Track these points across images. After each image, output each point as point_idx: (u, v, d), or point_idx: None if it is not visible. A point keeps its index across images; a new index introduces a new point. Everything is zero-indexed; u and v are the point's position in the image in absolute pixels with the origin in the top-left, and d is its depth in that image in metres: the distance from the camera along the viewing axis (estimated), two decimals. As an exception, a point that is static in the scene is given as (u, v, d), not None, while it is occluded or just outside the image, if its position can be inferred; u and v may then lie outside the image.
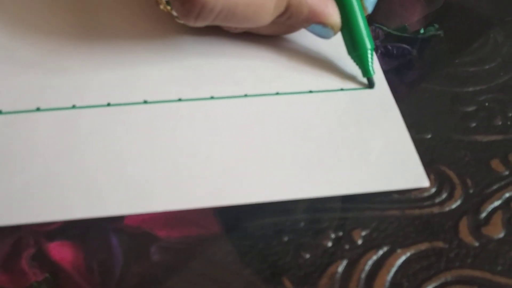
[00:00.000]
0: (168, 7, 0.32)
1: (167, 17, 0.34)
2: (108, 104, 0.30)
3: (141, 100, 0.30)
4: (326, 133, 0.30)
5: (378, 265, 0.27)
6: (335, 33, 0.32)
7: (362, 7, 0.32)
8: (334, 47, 0.34)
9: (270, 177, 0.28)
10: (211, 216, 0.28)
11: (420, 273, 0.26)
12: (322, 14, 0.31)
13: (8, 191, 0.27)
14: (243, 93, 0.32)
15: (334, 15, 0.31)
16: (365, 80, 0.34)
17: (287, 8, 0.31)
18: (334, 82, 0.33)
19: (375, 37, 0.38)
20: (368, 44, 0.32)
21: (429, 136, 0.32)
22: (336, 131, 0.30)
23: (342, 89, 0.33)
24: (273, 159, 0.29)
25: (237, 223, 0.28)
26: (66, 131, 0.29)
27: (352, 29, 0.32)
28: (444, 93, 0.35)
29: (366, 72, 0.33)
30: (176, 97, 0.31)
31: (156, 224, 0.27)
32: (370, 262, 0.27)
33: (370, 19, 0.38)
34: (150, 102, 0.30)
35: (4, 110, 0.29)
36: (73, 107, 0.30)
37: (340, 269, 0.26)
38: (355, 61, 0.33)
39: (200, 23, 0.30)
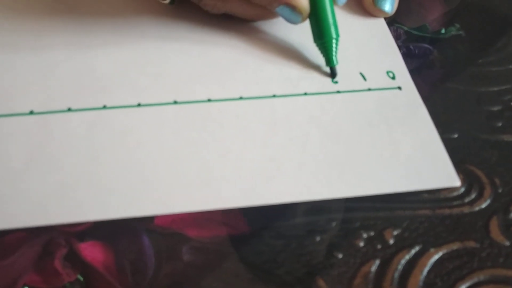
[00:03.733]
0: None
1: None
2: (139, 105, 0.30)
3: (171, 100, 0.30)
4: (355, 133, 0.30)
5: (411, 265, 0.27)
6: (302, 19, 0.33)
7: None
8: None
9: (301, 177, 0.28)
10: (239, 215, 0.28)
11: (453, 272, 0.26)
12: None
13: (43, 191, 0.27)
14: (271, 94, 0.31)
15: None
16: (328, 70, 0.34)
17: None
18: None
19: (396, 37, 0.38)
20: (334, 33, 0.32)
21: (456, 135, 0.32)
22: (365, 131, 0.30)
23: (369, 89, 0.33)
24: (303, 159, 0.29)
25: (268, 222, 0.27)
26: (98, 131, 0.29)
27: (319, 16, 0.32)
28: (468, 92, 0.35)
29: (329, 61, 0.33)
30: (206, 98, 0.31)
31: (185, 224, 0.27)
32: (403, 262, 0.27)
33: (391, 19, 0.38)
34: (180, 103, 0.30)
35: (36, 110, 0.29)
36: (104, 107, 0.30)
37: (373, 268, 0.26)
38: (320, 49, 0.33)
39: None
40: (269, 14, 0.34)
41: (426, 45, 0.38)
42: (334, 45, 0.33)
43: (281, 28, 0.36)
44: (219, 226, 0.27)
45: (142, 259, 0.26)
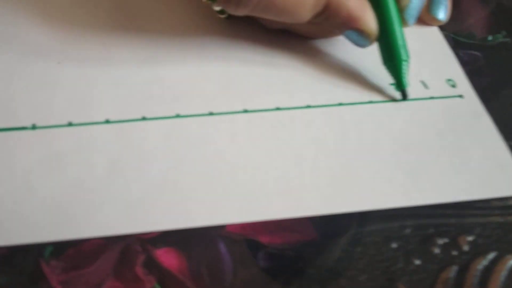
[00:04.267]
0: (210, 1, 0.32)
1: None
2: (210, 113, 0.30)
3: (241, 109, 0.31)
4: (424, 142, 0.31)
5: (489, 271, 0.27)
6: (370, 42, 0.32)
7: (402, 19, 0.32)
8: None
9: (376, 185, 0.29)
10: (307, 221, 0.28)
11: (531, 278, 0.27)
12: (360, 19, 0.31)
13: (127, 199, 0.27)
14: (337, 102, 0.32)
15: (371, 23, 0.31)
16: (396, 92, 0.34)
17: (326, 8, 0.31)
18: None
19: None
20: (404, 55, 0.32)
21: (516, 142, 0.32)
22: (434, 139, 0.31)
23: (432, 98, 0.33)
24: (376, 167, 0.29)
25: (336, 229, 0.28)
26: (174, 140, 0.29)
27: (389, 39, 0.32)
28: (525, 99, 0.35)
29: (400, 84, 0.33)
30: (274, 106, 0.31)
31: (256, 230, 0.27)
32: (480, 267, 0.27)
33: (440, 27, 0.39)
34: (250, 111, 0.31)
35: (111, 119, 0.29)
36: (177, 116, 0.30)
37: (452, 274, 0.27)
38: (389, 71, 0.33)
39: (241, 11, 0.30)
40: (329, 33, 0.34)
41: (475, 52, 0.38)
42: (404, 67, 0.32)
43: (342, 44, 0.35)
44: (289, 232, 0.28)
45: (219, 266, 0.26)
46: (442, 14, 0.37)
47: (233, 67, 0.33)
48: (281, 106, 0.31)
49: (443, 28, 0.39)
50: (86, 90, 0.31)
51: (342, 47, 0.36)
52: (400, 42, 0.32)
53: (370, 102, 0.32)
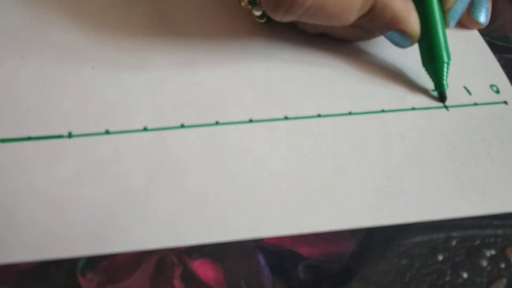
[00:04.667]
0: (250, 6, 0.31)
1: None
2: (250, 120, 0.29)
3: (282, 116, 0.30)
4: (470, 150, 0.30)
5: (539, 284, 0.26)
6: (412, 43, 0.32)
7: (444, 20, 0.32)
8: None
9: (423, 195, 0.28)
10: (346, 232, 0.27)
11: None
12: (404, 21, 0.30)
13: (168, 211, 0.27)
14: (380, 109, 0.31)
15: (415, 24, 0.31)
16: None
17: (372, 9, 0.30)
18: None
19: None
20: (445, 57, 0.31)
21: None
22: (480, 147, 0.30)
23: (476, 104, 0.32)
24: (422, 176, 0.29)
25: (386, 241, 0.27)
26: (214, 148, 0.29)
27: (431, 40, 0.31)
28: None
29: (440, 85, 0.32)
30: (315, 113, 0.30)
31: (295, 241, 0.27)
32: (529, 281, 0.26)
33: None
34: (291, 118, 0.30)
35: (149, 127, 0.29)
36: (217, 123, 0.29)
37: (501, 287, 0.26)
38: (429, 73, 0.32)
39: (288, 18, 0.30)
40: (369, 35, 0.33)
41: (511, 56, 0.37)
42: (445, 69, 0.32)
43: (380, 46, 0.35)
44: (328, 243, 0.27)
45: (258, 278, 0.26)
46: (484, 17, 0.36)
47: (273, 72, 0.32)
48: (322, 113, 0.30)
49: (480, 32, 0.38)
50: (122, 96, 0.30)
51: (382, 49, 0.35)
52: (442, 43, 0.31)
53: (413, 109, 0.31)
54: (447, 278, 0.26)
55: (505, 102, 0.33)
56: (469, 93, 0.33)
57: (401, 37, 0.31)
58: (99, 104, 0.29)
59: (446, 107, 0.32)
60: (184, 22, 0.34)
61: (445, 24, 0.32)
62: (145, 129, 0.29)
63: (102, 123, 0.29)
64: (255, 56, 0.33)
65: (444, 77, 0.32)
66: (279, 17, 0.30)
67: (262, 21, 0.34)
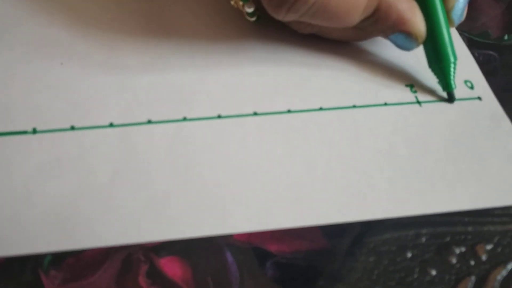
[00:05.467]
0: (240, 3, 0.31)
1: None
2: (219, 116, 0.29)
3: (251, 111, 0.29)
4: (442, 146, 0.30)
5: (508, 281, 0.26)
6: (418, 45, 0.31)
7: (448, 19, 0.31)
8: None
9: (393, 192, 0.28)
10: (316, 229, 0.27)
11: (553, 289, 0.25)
12: (410, 22, 0.30)
13: (132, 207, 0.26)
14: (351, 104, 0.30)
15: (420, 25, 0.30)
16: (444, 94, 0.33)
17: (376, 11, 0.29)
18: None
19: (459, 44, 0.37)
20: (452, 57, 0.31)
21: (537, 146, 0.31)
22: (451, 144, 0.30)
23: (447, 100, 0.32)
24: (393, 173, 0.28)
25: (348, 237, 0.27)
26: (181, 144, 0.28)
27: (437, 40, 0.31)
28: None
29: (447, 86, 0.32)
30: (286, 109, 0.30)
31: (264, 238, 0.26)
32: (499, 278, 0.26)
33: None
34: (260, 114, 0.29)
35: (115, 122, 0.28)
36: (184, 119, 0.29)
37: (470, 285, 0.25)
38: (436, 74, 0.32)
39: (290, 17, 0.29)
40: (364, 36, 0.33)
41: (491, 52, 0.37)
42: (452, 69, 0.31)
43: (354, 42, 0.34)
44: (298, 240, 0.26)
45: (226, 276, 0.25)
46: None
47: (243, 69, 0.32)
48: (292, 108, 0.30)
49: (456, 27, 0.37)
50: (90, 93, 0.30)
51: (355, 44, 0.34)
52: (448, 43, 0.31)
53: (385, 104, 0.31)
54: (415, 276, 0.26)
55: (479, 98, 0.32)
56: (443, 89, 0.32)
57: (406, 39, 0.31)
58: (66, 100, 0.29)
59: (419, 102, 0.31)
60: (155, 19, 0.34)
61: (450, 22, 0.31)
62: (111, 125, 0.28)
63: (67, 119, 0.28)
64: (225, 53, 0.33)
65: (452, 77, 0.31)
66: (281, 16, 0.29)
67: (252, 19, 0.33)
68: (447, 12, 0.31)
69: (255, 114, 0.30)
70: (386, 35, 0.31)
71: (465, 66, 0.34)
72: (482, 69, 0.35)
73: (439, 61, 0.31)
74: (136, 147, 0.28)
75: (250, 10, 0.31)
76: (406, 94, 0.32)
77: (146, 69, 0.31)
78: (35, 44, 0.32)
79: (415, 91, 0.32)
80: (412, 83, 0.33)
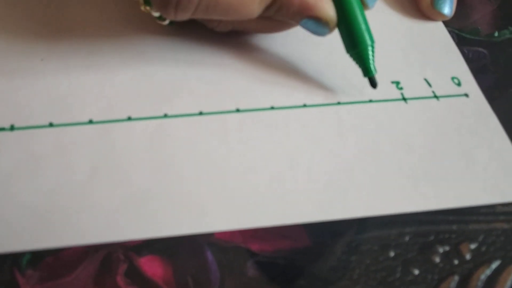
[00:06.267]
0: (148, 7, 0.30)
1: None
2: (200, 113, 0.29)
3: (234, 108, 0.29)
4: (427, 143, 0.29)
5: (492, 281, 0.25)
6: (331, 30, 0.29)
7: (362, 2, 0.29)
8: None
9: (375, 190, 0.27)
10: (299, 227, 0.26)
11: (537, 289, 0.25)
12: (315, 6, 0.28)
13: (110, 205, 0.26)
14: (335, 101, 0.30)
15: (328, 9, 0.28)
16: (361, 86, 0.32)
17: None
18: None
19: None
20: (368, 40, 0.29)
21: (524, 144, 0.31)
22: (437, 141, 0.29)
23: (435, 96, 0.31)
24: (376, 170, 0.28)
25: (332, 236, 0.26)
26: (161, 141, 0.28)
27: (350, 24, 0.29)
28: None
29: (367, 71, 0.30)
30: (269, 105, 0.29)
31: (246, 237, 0.26)
32: (483, 277, 0.25)
33: (444, 23, 0.37)
34: (243, 111, 0.29)
35: (95, 119, 0.28)
36: (165, 116, 0.28)
37: (453, 285, 0.25)
38: (354, 59, 0.30)
39: (181, 16, 0.28)
40: (283, 26, 0.31)
41: (480, 49, 0.36)
42: (370, 52, 0.29)
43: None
44: (281, 239, 0.26)
45: (206, 274, 0.25)
46: (448, 8, 0.36)
47: (226, 65, 0.32)
48: (275, 105, 0.29)
49: (446, 24, 0.37)
50: (70, 89, 0.29)
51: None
52: (362, 26, 0.29)
53: (370, 101, 0.30)
54: (397, 275, 0.25)
55: (466, 95, 0.32)
56: (430, 85, 0.32)
57: (317, 25, 0.29)
58: (46, 97, 0.29)
59: (404, 99, 0.31)
60: (136, 16, 0.33)
61: (364, 6, 0.29)
62: (90, 121, 0.28)
63: (46, 116, 0.28)
64: (208, 50, 0.32)
65: (371, 61, 0.30)
66: (172, 16, 0.28)
67: (165, 23, 0.32)
68: None
69: (238, 110, 0.29)
70: (296, 22, 0.29)
71: (452, 63, 0.34)
72: (472, 66, 0.35)
73: (355, 46, 0.29)
74: (115, 144, 0.27)
75: (157, 14, 0.30)
76: (391, 91, 0.31)
77: (127, 66, 0.31)
78: (15, 41, 0.31)
79: (401, 88, 0.31)
80: (398, 80, 0.32)
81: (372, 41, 0.29)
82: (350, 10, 0.29)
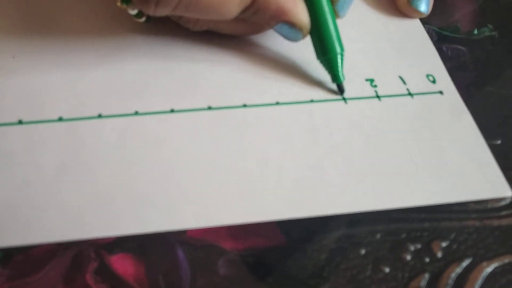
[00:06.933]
0: (124, 5, 0.29)
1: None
2: (172, 110, 0.28)
3: (205, 106, 0.29)
4: (399, 141, 0.29)
5: (463, 279, 0.25)
6: (303, 36, 0.30)
7: (333, 10, 0.30)
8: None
9: (345, 188, 0.27)
10: (274, 226, 0.26)
11: (507, 287, 0.25)
12: (291, 12, 0.29)
13: (77, 202, 0.26)
14: (309, 99, 0.30)
15: (302, 15, 0.29)
16: (334, 87, 0.32)
17: (254, 1, 0.28)
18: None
19: (428, 38, 0.36)
20: (338, 48, 0.30)
21: (499, 142, 0.31)
22: (409, 138, 0.29)
23: (410, 94, 0.31)
24: (346, 168, 0.28)
25: (306, 234, 0.26)
26: (130, 139, 0.28)
27: (321, 31, 0.30)
28: (510, 96, 0.33)
29: (335, 77, 0.31)
30: (241, 103, 0.29)
31: (219, 235, 0.26)
32: (453, 276, 0.25)
33: (422, 20, 0.37)
34: (215, 108, 0.29)
35: (65, 117, 0.28)
36: (136, 113, 0.28)
37: (423, 283, 0.25)
38: (324, 65, 0.31)
39: (162, 11, 0.28)
40: (256, 29, 0.32)
41: (460, 47, 0.36)
42: (339, 60, 0.30)
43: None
44: (254, 237, 0.26)
45: (177, 273, 0.25)
46: (424, 6, 0.35)
47: (199, 62, 0.32)
48: (248, 103, 0.29)
49: (426, 21, 0.37)
50: (41, 86, 0.29)
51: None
52: (333, 34, 0.30)
53: (344, 99, 0.30)
54: (368, 273, 0.25)
55: (441, 92, 0.32)
56: (404, 82, 0.32)
57: (291, 30, 0.30)
58: (16, 94, 0.29)
59: (378, 97, 0.31)
60: (108, 13, 0.33)
61: (335, 14, 0.31)
62: (60, 119, 0.28)
63: (16, 113, 0.28)
64: (181, 47, 0.32)
65: (339, 69, 0.31)
66: (152, 11, 0.28)
67: (141, 20, 0.31)
68: (333, 3, 0.30)
69: (210, 108, 0.29)
70: (270, 26, 0.30)
71: (428, 60, 0.34)
72: (451, 64, 0.35)
73: (325, 52, 0.30)
74: (84, 142, 0.27)
75: (134, 12, 0.30)
76: (365, 89, 0.31)
77: (100, 63, 0.31)
78: None
79: (375, 86, 0.31)
80: (373, 78, 0.32)
81: (342, 49, 0.30)
82: (323, 18, 0.30)
